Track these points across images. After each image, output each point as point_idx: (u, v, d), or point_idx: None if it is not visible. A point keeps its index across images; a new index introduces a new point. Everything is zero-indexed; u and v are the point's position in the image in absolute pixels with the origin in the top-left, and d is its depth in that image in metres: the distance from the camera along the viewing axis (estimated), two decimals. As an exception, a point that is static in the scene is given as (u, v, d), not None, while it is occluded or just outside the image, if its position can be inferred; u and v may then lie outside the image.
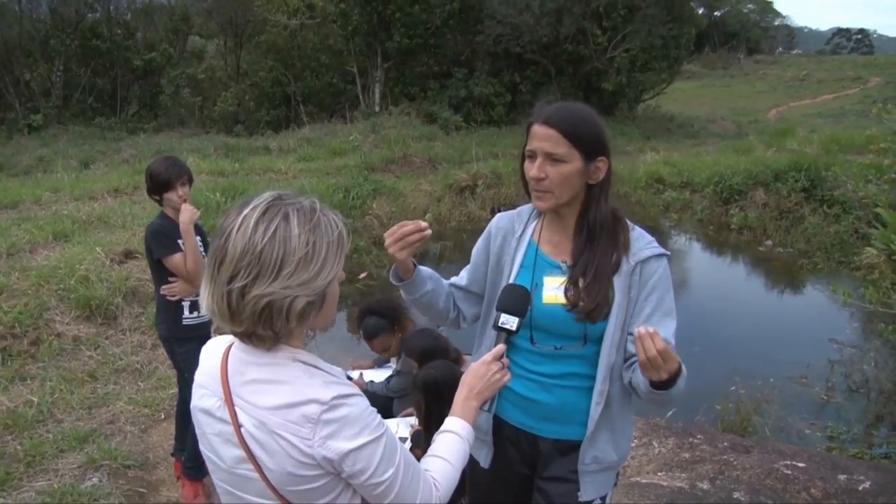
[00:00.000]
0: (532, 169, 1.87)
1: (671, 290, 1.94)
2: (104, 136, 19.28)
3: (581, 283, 1.89)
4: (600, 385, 1.94)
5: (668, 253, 1.97)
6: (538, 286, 1.96)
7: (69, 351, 5.33)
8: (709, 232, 11.91)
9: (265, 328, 1.30)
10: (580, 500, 2.04)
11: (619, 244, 1.91)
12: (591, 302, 1.86)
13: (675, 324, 1.90)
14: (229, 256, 1.26)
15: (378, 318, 3.82)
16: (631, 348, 1.86)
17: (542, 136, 1.84)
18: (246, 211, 1.28)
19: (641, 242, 1.94)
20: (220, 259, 1.28)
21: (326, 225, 1.31)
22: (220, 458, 1.40)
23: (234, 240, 1.26)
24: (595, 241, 1.91)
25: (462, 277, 2.19)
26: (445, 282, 2.16)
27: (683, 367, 1.70)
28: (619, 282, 1.90)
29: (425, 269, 2.04)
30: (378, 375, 4.25)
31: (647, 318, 1.88)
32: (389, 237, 1.90)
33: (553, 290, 1.95)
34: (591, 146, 1.85)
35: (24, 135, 19.10)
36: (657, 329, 1.63)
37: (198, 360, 1.50)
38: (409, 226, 1.88)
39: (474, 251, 2.18)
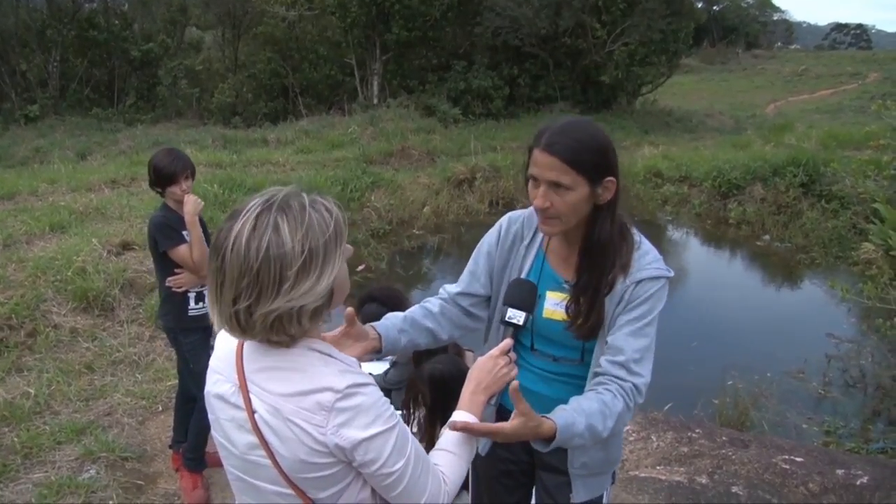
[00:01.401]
0: (537, 198, 1.78)
1: (655, 311, 1.84)
2: (101, 127, 19.18)
3: (580, 304, 1.87)
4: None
5: (670, 273, 1.88)
6: (541, 298, 1.94)
7: (66, 342, 5.33)
8: (707, 226, 11.91)
9: (279, 335, 1.31)
10: (572, 501, 2.05)
11: (617, 265, 1.84)
12: (584, 323, 1.85)
13: (647, 343, 1.81)
14: (228, 279, 1.26)
15: (378, 305, 3.82)
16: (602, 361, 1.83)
17: (545, 165, 1.74)
18: (236, 227, 1.26)
19: (643, 262, 1.86)
20: (220, 281, 1.27)
21: (319, 221, 1.30)
22: (233, 443, 1.41)
23: (230, 261, 1.25)
24: (597, 262, 1.85)
25: (467, 282, 2.10)
26: (426, 309, 2.07)
27: (561, 433, 1.63)
28: (609, 300, 1.85)
29: (389, 325, 1.95)
30: (377, 368, 4.24)
31: (618, 329, 1.82)
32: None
33: (554, 305, 1.94)
34: (596, 170, 1.76)
35: (20, 125, 18.98)
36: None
37: (203, 350, 1.51)
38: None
39: (483, 253, 2.10)
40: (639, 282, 1.82)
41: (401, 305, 3.83)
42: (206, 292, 3.54)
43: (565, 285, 1.93)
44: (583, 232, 1.87)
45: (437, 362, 2.83)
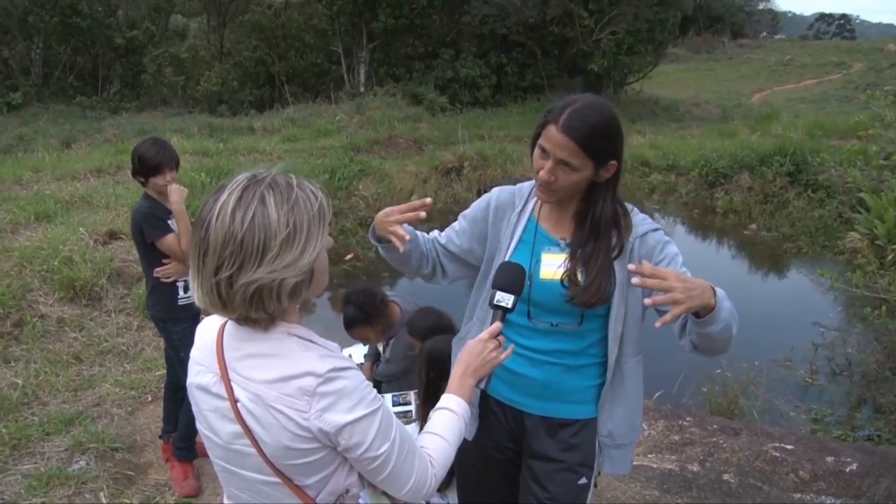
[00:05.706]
0: (543, 170, 1.85)
1: (679, 255, 1.93)
2: (85, 115, 18.96)
3: (580, 275, 1.89)
4: (609, 359, 1.98)
5: (662, 228, 1.98)
6: (537, 262, 1.97)
7: (53, 332, 5.28)
8: (694, 215, 11.95)
9: (258, 311, 1.30)
10: (602, 471, 2.12)
11: (621, 230, 1.92)
12: (588, 297, 1.86)
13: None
14: (211, 248, 1.25)
15: (355, 309, 3.79)
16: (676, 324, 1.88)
17: (558, 144, 1.80)
18: (222, 198, 1.27)
19: (637, 219, 1.97)
20: (203, 251, 1.27)
21: (305, 200, 1.29)
22: (217, 434, 1.40)
23: (214, 230, 1.25)
24: (599, 234, 1.90)
25: (448, 238, 2.17)
26: (425, 237, 2.15)
27: (717, 290, 1.70)
28: (619, 262, 1.91)
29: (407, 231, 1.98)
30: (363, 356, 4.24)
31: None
32: (390, 216, 1.90)
33: (552, 266, 1.95)
34: (605, 155, 1.84)
35: (2, 113, 18.69)
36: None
37: (193, 338, 1.50)
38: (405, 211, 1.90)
39: (468, 214, 2.15)
40: (641, 236, 1.93)
41: (376, 309, 3.80)
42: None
43: (561, 244, 1.98)
44: (578, 199, 1.96)
45: (437, 340, 2.82)
